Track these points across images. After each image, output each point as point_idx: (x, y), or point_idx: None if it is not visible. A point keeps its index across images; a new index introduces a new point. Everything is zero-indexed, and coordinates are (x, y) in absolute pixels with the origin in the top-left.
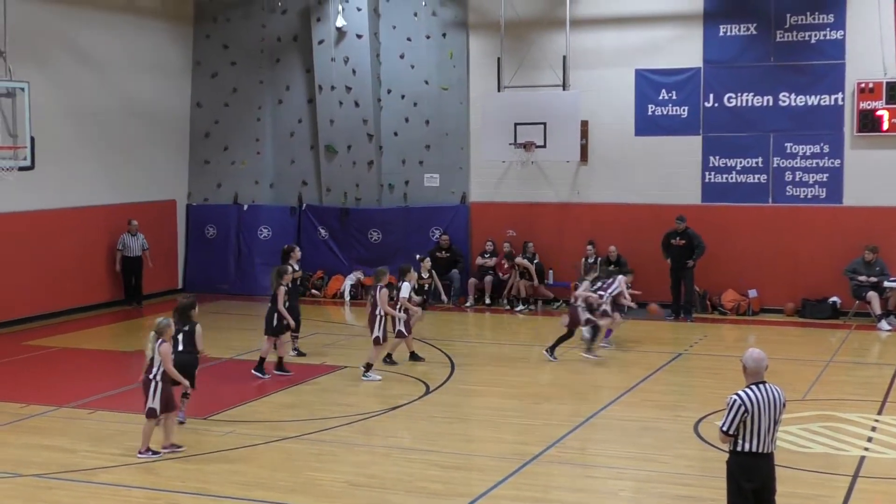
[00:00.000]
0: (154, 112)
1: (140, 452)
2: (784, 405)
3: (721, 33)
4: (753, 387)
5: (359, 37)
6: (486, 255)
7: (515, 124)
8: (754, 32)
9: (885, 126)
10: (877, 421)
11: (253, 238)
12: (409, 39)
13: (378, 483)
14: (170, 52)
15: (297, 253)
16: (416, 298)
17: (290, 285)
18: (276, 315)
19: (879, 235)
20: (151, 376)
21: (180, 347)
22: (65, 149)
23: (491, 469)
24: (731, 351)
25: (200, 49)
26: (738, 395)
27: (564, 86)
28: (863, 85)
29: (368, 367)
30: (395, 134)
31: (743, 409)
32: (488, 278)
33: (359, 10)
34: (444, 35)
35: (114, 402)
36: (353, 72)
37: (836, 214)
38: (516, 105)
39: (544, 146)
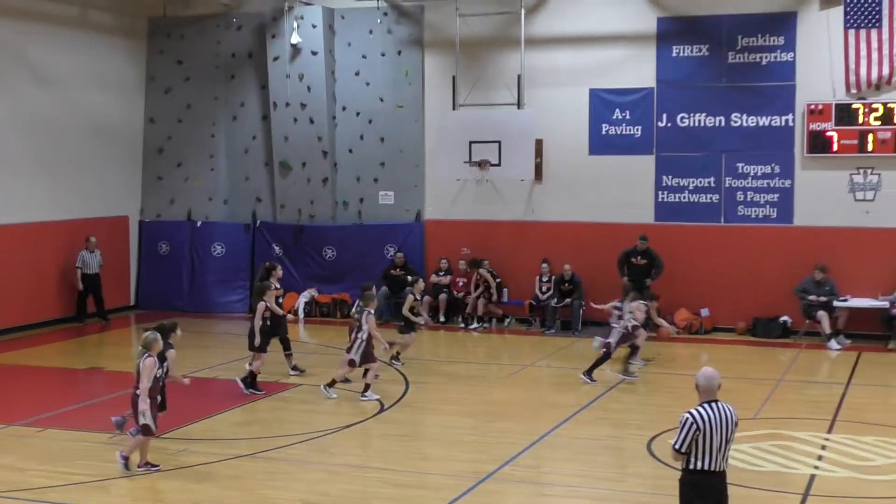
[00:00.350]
0: (107, 127)
1: (139, 466)
2: (736, 424)
3: (674, 54)
4: (706, 405)
5: (314, 54)
6: (441, 273)
7: (470, 142)
8: (706, 54)
9: (835, 147)
10: (826, 439)
11: (206, 255)
12: (364, 57)
13: (331, 501)
14: (123, 67)
15: (279, 271)
16: (419, 320)
17: (278, 301)
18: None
19: (829, 255)
20: (139, 391)
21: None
22: (16, 164)
23: (445, 487)
24: (683, 369)
25: (154, 65)
26: (690, 413)
27: (519, 104)
28: (812, 106)
29: (333, 383)
30: (350, 151)
31: (695, 427)
32: (443, 296)
33: (314, 26)
34: (399, 53)
35: (64, 420)
36: (308, 89)
37: (787, 234)
38: (471, 123)
39: (499, 165)
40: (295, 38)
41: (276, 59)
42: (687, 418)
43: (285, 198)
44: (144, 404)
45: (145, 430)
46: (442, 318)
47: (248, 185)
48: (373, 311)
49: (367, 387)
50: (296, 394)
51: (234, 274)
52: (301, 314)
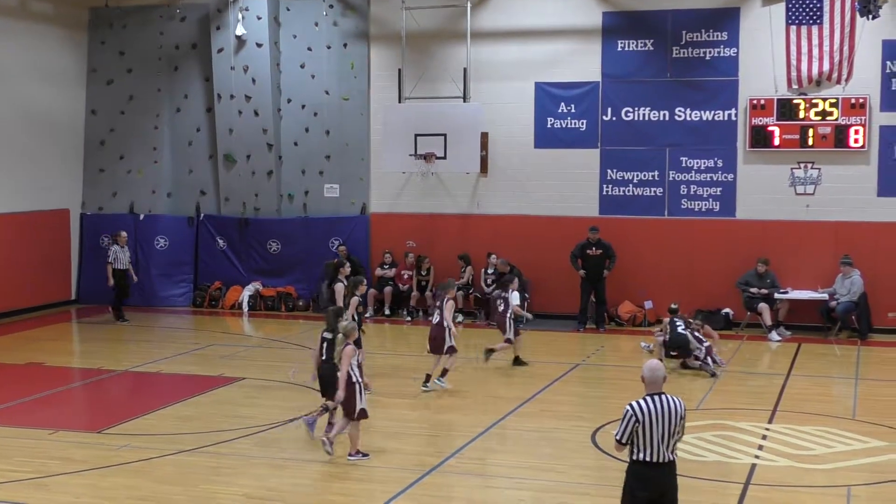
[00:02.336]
0: (47, 119)
1: (350, 455)
2: (682, 416)
3: (619, 48)
4: (648, 397)
5: (259, 46)
6: (386, 267)
7: (416, 135)
8: (651, 48)
9: (777, 142)
10: (767, 429)
11: (150, 248)
12: (309, 49)
13: (277, 496)
14: (64, 58)
15: (347, 268)
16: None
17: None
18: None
19: (770, 248)
20: (355, 380)
21: (324, 356)
22: None
23: (391, 480)
24: (627, 361)
25: (96, 56)
26: (630, 405)
27: (465, 98)
28: (755, 101)
29: (444, 372)
30: (296, 144)
31: (634, 418)
32: (388, 289)
33: (259, 18)
34: (345, 45)
35: (2, 417)
36: (253, 81)
37: (730, 227)
38: (417, 116)
39: (444, 158)
40: (240, 30)
41: (220, 50)
42: (627, 410)
43: (230, 191)
44: (344, 391)
45: (360, 415)
46: (387, 312)
47: (192, 178)
48: (451, 299)
49: (444, 371)
50: (241, 388)
51: (177, 268)
52: (245, 308)
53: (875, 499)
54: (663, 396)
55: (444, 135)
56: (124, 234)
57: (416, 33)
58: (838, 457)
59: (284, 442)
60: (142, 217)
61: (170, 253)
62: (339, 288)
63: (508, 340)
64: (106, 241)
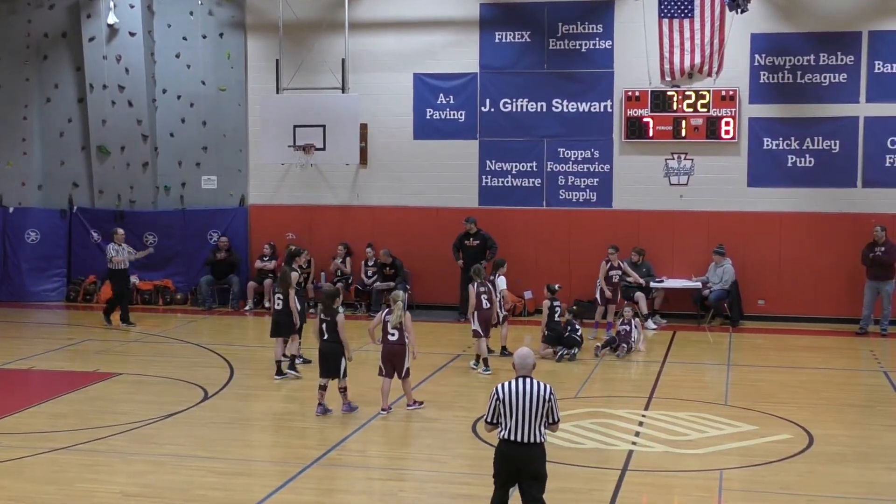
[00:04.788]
0: None
1: (409, 405)
2: (547, 400)
3: (497, 40)
4: (514, 380)
5: (132, 34)
6: (266, 259)
7: (295, 126)
8: (528, 40)
9: (651, 133)
10: (644, 416)
11: (20, 242)
12: (184, 38)
13: (154, 493)
14: None
15: (303, 258)
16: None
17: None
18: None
19: (646, 238)
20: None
21: (325, 336)
22: None
23: (271, 474)
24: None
25: None
26: (496, 387)
27: (343, 89)
28: (630, 93)
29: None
30: (171, 135)
31: (497, 399)
32: (268, 281)
33: (131, 6)
34: (221, 35)
35: None
36: (127, 70)
37: (606, 217)
38: (295, 107)
39: (324, 149)
40: (112, 19)
41: (91, 39)
42: (493, 391)
43: (104, 183)
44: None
45: (407, 373)
46: (267, 304)
47: (64, 170)
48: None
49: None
50: (116, 384)
51: (49, 262)
52: None
53: (746, 482)
54: (529, 380)
55: (324, 126)
56: (121, 231)
57: (293, 23)
58: (711, 441)
59: (161, 438)
60: (11, 210)
61: (41, 247)
62: (294, 276)
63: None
64: None
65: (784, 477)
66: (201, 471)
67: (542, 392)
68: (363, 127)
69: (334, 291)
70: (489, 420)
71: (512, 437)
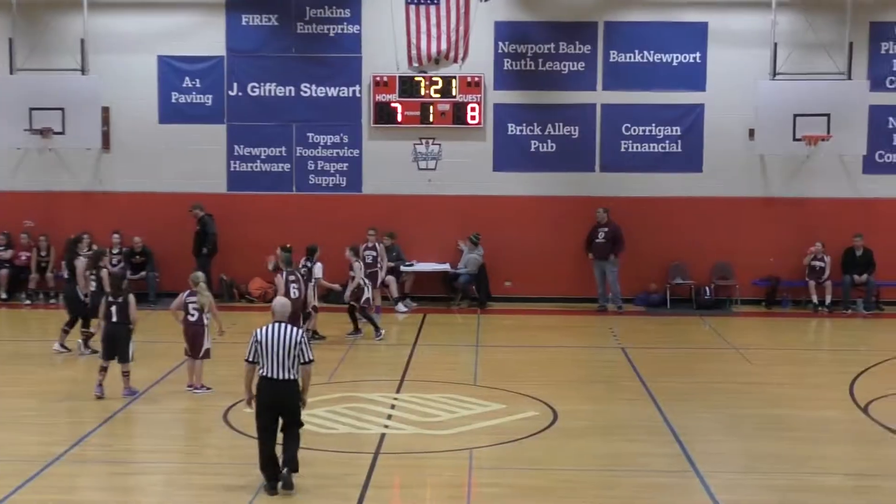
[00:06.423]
0: None
1: (196, 388)
2: (297, 343)
3: (244, 22)
4: (270, 325)
5: None
6: (1, 248)
7: (31, 109)
8: (276, 23)
9: (400, 118)
10: (395, 399)
11: None
12: None
13: None
14: None
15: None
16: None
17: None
18: None
19: (397, 222)
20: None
21: (114, 319)
22: None
23: (10, 473)
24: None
25: None
26: (255, 330)
27: (83, 70)
28: (378, 78)
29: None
30: None
31: (254, 339)
32: (5, 271)
33: None
34: None
35: None
36: None
37: (356, 202)
38: (31, 89)
39: (63, 133)
40: None
41: None
42: (253, 334)
43: None
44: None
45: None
46: (4, 295)
47: None
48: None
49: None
50: None
51: None
52: None
53: (495, 459)
54: (283, 325)
55: (62, 109)
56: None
57: (28, 1)
58: (462, 422)
59: None
60: None
61: None
62: (81, 263)
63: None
64: None
65: (532, 453)
66: None
67: (293, 335)
68: (105, 110)
69: (122, 273)
70: (248, 359)
71: (270, 375)
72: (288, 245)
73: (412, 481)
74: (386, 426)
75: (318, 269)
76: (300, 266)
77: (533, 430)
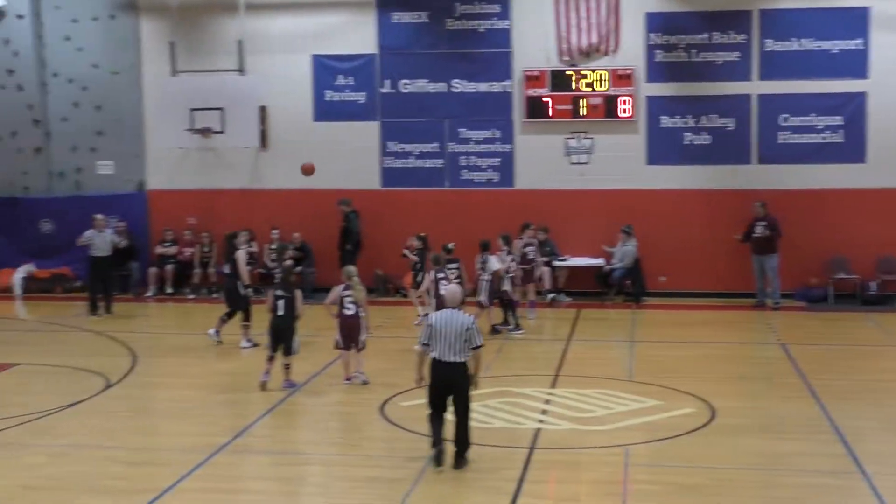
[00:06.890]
0: None
1: (351, 378)
2: (468, 328)
3: (394, 20)
4: (443, 311)
5: (19, 17)
6: (167, 244)
7: (192, 109)
8: (426, 20)
9: (551, 112)
10: (550, 394)
11: None
12: (74, 21)
13: (56, 484)
14: None
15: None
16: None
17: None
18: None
19: (549, 217)
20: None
21: (280, 312)
22: None
23: (176, 463)
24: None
25: None
26: (429, 315)
27: (241, 71)
28: (528, 73)
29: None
30: (65, 120)
31: (429, 325)
32: (169, 267)
33: None
34: (112, 17)
35: None
36: (15, 54)
37: (509, 197)
38: (192, 90)
39: (222, 132)
40: None
41: None
42: (427, 319)
43: None
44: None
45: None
46: (170, 290)
47: None
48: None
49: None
50: (13, 375)
51: None
52: (18, 291)
53: (652, 456)
54: (455, 312)
55: (222, 108)
56: (100, 216)
57: (187, 4)
58: (617, 417)
59: (62, 429)
60: None
61: None
62: (241, 255)
63: (481, 305)
64: None
65: (688, 450)
66: (104, 461)
67: (464, 322)
68: (262, 109)
69: (292, 266)
70: (422, 341)
71: (440, 357)
72: (450, 244)
73: (567, 477)
74: (541, 421)
75: (493, 262)
76: (477, 261)
77: (690, 428)
